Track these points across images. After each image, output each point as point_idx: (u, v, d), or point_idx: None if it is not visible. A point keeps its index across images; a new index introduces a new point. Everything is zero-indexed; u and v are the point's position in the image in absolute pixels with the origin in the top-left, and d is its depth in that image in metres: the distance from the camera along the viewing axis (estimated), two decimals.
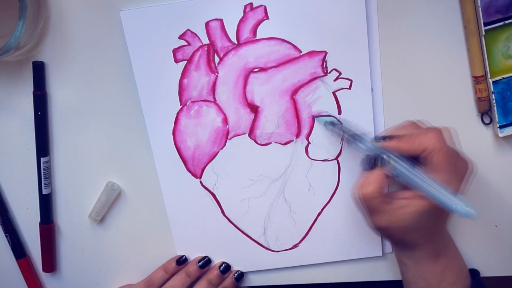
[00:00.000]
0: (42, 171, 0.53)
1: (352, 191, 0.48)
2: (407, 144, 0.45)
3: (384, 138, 0.47)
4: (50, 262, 0.56)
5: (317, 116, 0.52)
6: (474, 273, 0.53)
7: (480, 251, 0.55)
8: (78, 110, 0.53)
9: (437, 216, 0.46)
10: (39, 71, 0.52)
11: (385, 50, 0.51)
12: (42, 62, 0.52)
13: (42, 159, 0.53)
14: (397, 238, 0.48)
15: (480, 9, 0.49)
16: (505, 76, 0.50)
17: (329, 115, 0.52)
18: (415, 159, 0.45)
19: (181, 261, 0.55)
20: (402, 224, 0.45)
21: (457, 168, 0.45)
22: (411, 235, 0.46)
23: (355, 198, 0.46)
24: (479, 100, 0.51)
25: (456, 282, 0.48)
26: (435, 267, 0.48)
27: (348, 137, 0.50)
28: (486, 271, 0.55)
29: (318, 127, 0.52)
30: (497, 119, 0.51)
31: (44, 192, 0.54)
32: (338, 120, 0.52)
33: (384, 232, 0.48)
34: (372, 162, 0.46)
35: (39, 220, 0.55)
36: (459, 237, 0.54)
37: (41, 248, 0.56)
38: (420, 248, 0.47)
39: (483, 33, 0.49)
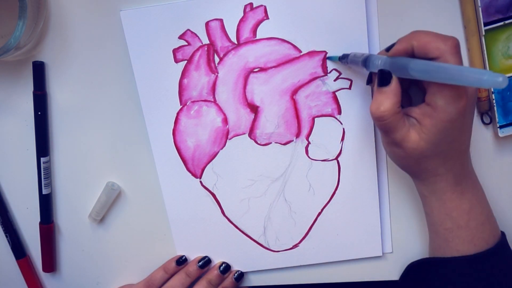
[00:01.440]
0: (42, 171, 0.53)
1: (370, 110, 0.45)
2: (423, 46, 0.42)
3: (388, 48, 0.45)
4: (50, 262, 0.56)
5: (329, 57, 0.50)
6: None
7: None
8: (78, 110, 0.53)
9: (450, 137, 0.43)
10: (39, 71, 0.52)
11: None
12: (42, 62, 0.52)
13: (42, 159, 0.53)
14: (413, 165, 0.45)
15: (480, 9, 0.49)
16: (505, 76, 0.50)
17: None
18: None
19: (181, 261, 0.55)
20: (426, 143, 0.43)
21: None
22: (428, 161, 0.44)
23: (373, 118, 0.44)
24: (479, 100, 0.51)
25: (485, 223, 0.46)
26: (461, 203, 0.46)
27: (363, 61, 0.47)
28: None
29: (318, 127, 0.52)
30: (497, 119, 0.51)
31: (44, 192, 0.54)
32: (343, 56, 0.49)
33: (401, 155, 0.45)
34: (386, 77, 0.43)
35: (39, 220, 0.55)
36: None
37: (41, 248, 0.56)
38: (441, 179, 0.45)
39: (483, 33, 0.49)
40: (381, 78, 0.44)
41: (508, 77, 0.50)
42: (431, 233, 0.50)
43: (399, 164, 0.47)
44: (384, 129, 0.44)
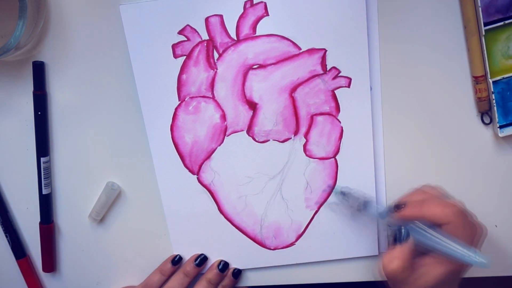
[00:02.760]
0: (42, 171, 0.53)
1: (378, 266, 0.48)
2: (419, 212, 0.46)
3: (397, 207, 0.48)
4: (50, 262, 0.56)
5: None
6: None
7: (480, 251, 0.54)
8: (78, 110, 0.53)
9: (451, 280, 0.47)
10: (39, 71, 0.52)
11: (385, 49, 0.51)
12: (42, 62, 0.52)
13: (42, 159, 0.53)
14: None
15: (480, 9, 0.49)
16: (505, 76, 0.50)
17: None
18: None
19: (176, 260, 0.55)
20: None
21: (469, 234, 0.46)
22: None
23: (380, 273, 0.47)
24: (479, 100, 0.51)
25: None
26: None
27: (363, 204, 0.51)
28: (486, 271, 0.55)
29: (316, 125, 0.52)
30: (497, 119, 0.51)
31: (44, 192, 0.54)
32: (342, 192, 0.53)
33: None
34: (394, 237, 0.48)
35: (39, 220, 0.55)
36: None
37: (41, 248, 0.56)
38: None
39: (483, 33, 0.49)
40: (391, 237, 0.49)
41: (508, 77, 0.50)
42: None
43: None
44: (390, 283, 0.47)
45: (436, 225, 0.46)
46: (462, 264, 0.45)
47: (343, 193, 0.53)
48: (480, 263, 0.44)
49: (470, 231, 0.46)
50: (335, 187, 0.54)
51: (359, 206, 0.52)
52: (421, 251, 0.47)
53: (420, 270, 0.46)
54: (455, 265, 0.45)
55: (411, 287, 0.46)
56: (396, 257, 0.46)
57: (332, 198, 0.54)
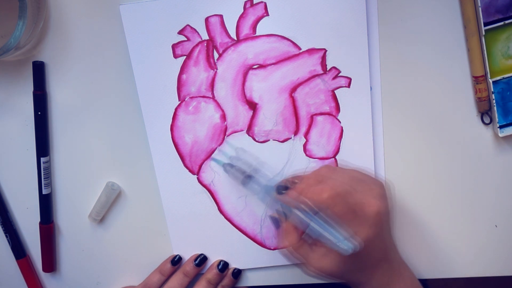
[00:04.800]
0: (42, 171, 0.53)
1: (283, 253, 0.49)
2: (298, 198, 0.45)
3: (282, 187, 0.47)
4: (50, 262, 0.56)
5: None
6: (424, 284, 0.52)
7: (480, 251, 0.55)
8: (78, 110, 0.53)
9: (362, 257, 0.45)
10: (39, 71, 0.52)
11: (385, 49, 0.51)
12: (42, 62, 0.52)
13: (42, 159, 0.53)
14: (338, 281, 0.47)
15: (480, 9, 0.49)
16: (505, 76, 0.50)
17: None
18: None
19: (176, 260, 0.55)
20: (331, 270, 0.45)
21: (357, 215, 0.44)
22: (348, 276, 0.46)
23: (288, 256, 0.48)
24: (479, 100, 0.51)
25: None
26: None
27: (244, 179, 0.50)
28: (486, 271, 0.55)
29: (316, 125, 0.52)
30: (497, 119, 0.51)
31: (44, 192, 0.54)
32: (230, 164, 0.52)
33: (323, 277, 0.47)
34: (276, 222, 0.49)
35: (39, 220, 0.55)
36: (459, 237, 0.54)
37: (41, 248, 0.56)
38: (367, 284, 0.47)
39: (483, 33, 0.49)
40: (274, 222, 0.51)
41: (508, 77, 0.50)
42: None
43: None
44: (299, 262, 0.47)
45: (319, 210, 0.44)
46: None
47: (229, 165, 0.52)
48: (343, 249, 0.41)
49: (350, 213, 0.43)
50: (218, 160, 0.53)
51: (243, 180, 0.50)
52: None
53: (320, 249, 0.45)
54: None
55: (317, 264, 0.45)
56: (286, 234, 0.46)
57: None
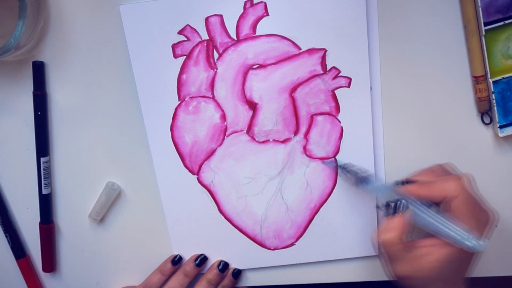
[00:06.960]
0: (42, 171, 0.53)
1: (371, 236, 0.48)
2: (427, 191, 0.46)
3: (404, 183, 0.47)
4: (50, 262, 0.56)
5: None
6: None
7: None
8: (78, 110, 0.53)
9: (456, 266, 0.45)
10: (39, 71, 0.52)
11: (385, 49, 0.51)
12: (42, 62, 0.52)
13: (42, 159, 0.53)
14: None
15: (480, 9, 0.49)
16: (505, 76, 0.50)
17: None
18: (436, 205, 0.46)
19: (176, 260, 0.55)
20: (422, 273, 0.44)
21: (477, 217, 0.45)
22: (431, 286, 0.45)
23: (374, 244, 0.47)
24: (479, 100, 0.51)
25: None
26: None
27: (362, 179, 0.50)
28: (486, 271, 0.55)
29: (316, 125, 0.52)
30: (497, 119, 0.51)
31: (44, 192, 0.54)
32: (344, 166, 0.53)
33: (405, 281, 0.46)
34: (394, 208, 0.47)
35: (39, 220, 0.55)
36: None
37: (41, 248, 0.56)
38: None
39: (483, 33, 0.49)
40: (387, 209, 0.47)
41: (508, 77, 0.50)
42: None
43: (400, 283, 0.48)
44: (385, 257, 0.46)
45: (442, 202, 0.45)
46: (462, 249, 0.43)
47: (343, 167, 0.52)
48: (473, 246, 0.42)
49: (476, 211, 0.45)
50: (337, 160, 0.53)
51: (357, 181, 0.51)
52: (425, 234, 0.46)
53: (421, 250, 0.45)
54: (456, 248, 0.44)
55: (411, 265, 0.45)
56: (393, 228, 0.45)
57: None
